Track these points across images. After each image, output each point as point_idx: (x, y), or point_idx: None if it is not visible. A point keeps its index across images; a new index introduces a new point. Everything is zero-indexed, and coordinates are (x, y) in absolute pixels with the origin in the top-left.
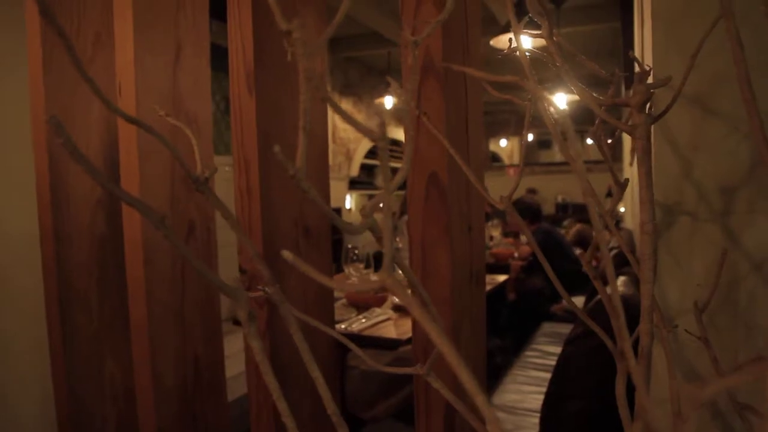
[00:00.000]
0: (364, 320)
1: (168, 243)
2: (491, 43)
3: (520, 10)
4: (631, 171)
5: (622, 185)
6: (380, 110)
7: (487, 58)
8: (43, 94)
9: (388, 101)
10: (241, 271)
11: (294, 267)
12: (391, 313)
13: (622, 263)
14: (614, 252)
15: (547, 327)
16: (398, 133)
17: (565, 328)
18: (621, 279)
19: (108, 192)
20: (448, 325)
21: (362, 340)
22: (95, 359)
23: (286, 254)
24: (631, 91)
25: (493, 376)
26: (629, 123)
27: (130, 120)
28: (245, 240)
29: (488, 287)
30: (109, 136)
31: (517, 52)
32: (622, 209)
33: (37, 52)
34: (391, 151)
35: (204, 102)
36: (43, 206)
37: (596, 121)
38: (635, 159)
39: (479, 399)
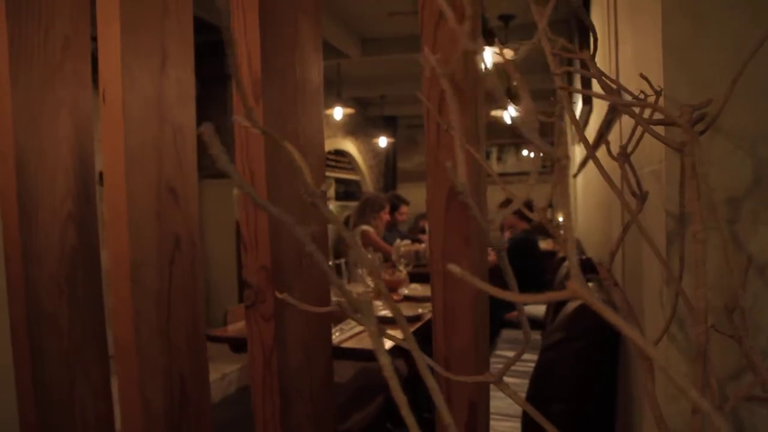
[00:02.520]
0: (338, 333)
1: (157, 258)
2: None
3: (485, 26)
4: (574, 182)
5: (642, 197)
6: (562, 128)
7: None
8: (10, 105)
9: (338, 112)
10: (247, 285)
11: (298, 280)
12: None
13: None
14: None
15: (507, 334)
16: (343, 144)
17: None
18: (588, 285)
19: (79, 206)
20: (471, 332)
21: (341, 352)
22: (64, 383)
23: (453, 268)
24: (679, 110)
25: None
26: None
27: (263, 132)
28: (361, 256)
29: None
30: (79, 147)
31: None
32: (560, 219)
33: (5, 63)
34: (336, 161)
35: (189, 111)
36: (10, 220)
37: (630, 138)
38: (580, 171)
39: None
